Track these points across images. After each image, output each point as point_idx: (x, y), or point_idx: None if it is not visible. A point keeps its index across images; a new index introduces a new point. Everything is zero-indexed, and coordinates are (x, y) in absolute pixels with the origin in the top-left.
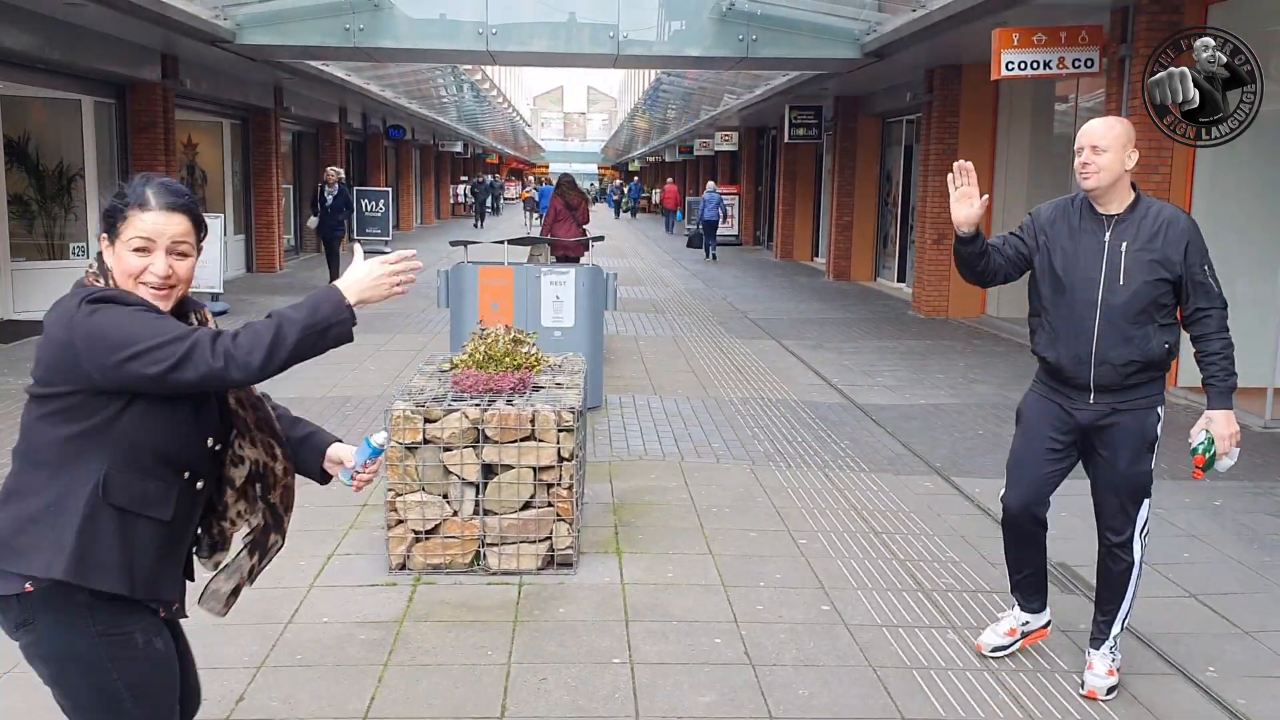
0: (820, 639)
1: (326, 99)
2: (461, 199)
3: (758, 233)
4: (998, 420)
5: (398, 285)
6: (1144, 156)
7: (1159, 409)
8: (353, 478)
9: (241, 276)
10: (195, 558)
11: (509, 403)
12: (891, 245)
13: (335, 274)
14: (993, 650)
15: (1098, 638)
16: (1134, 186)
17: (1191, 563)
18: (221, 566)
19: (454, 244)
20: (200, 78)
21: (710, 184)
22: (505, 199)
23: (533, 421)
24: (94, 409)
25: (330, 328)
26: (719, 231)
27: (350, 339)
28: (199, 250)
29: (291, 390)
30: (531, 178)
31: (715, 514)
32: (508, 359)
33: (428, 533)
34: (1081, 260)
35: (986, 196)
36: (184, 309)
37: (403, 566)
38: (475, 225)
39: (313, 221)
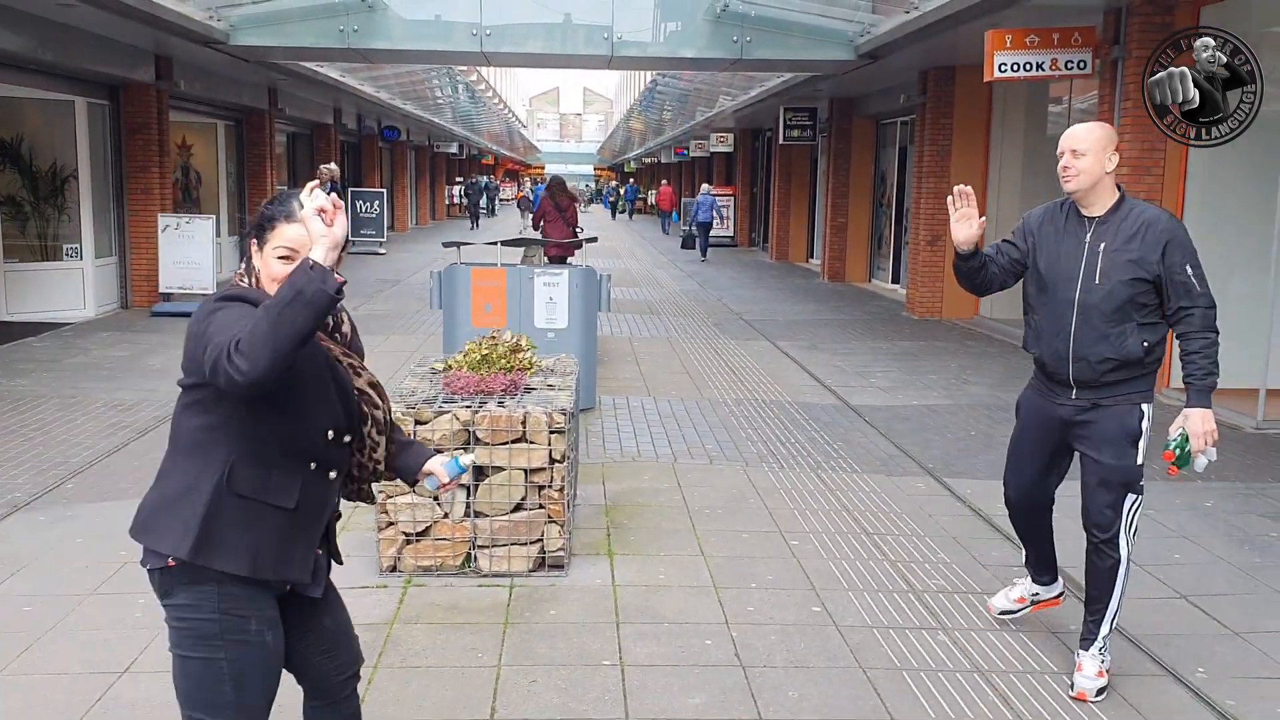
0: (811, 640)
1: (321, 100)
2: (457, 200)
3: (753, 234)
4: (990, 421)
5: (321, 214)
6: (1137, 157)
7: (1143, 405)
8: (439, 487)
9: None
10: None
11: (500, 404)
12: (886, 246)
13: None
14: (1000, 613)
15: (1087, 638)
16: (1120, 189)
17: (1182, 564)
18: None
19: (447, 245)
20: (194, 79)
21: (705, 185)
22: (501, 200)
23: (524, 423)
24: (219, 402)
25: (301, 292)
26: (713, 232)
27: (328, 295)
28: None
29: None
30: (528, 179)
31: (707, 515)
32: (502, 361)
33: (418, 535)
34: (1063, 260)
35: (984, 218)
36: None
37: (393, 569)
38: (471, 227)
39: None
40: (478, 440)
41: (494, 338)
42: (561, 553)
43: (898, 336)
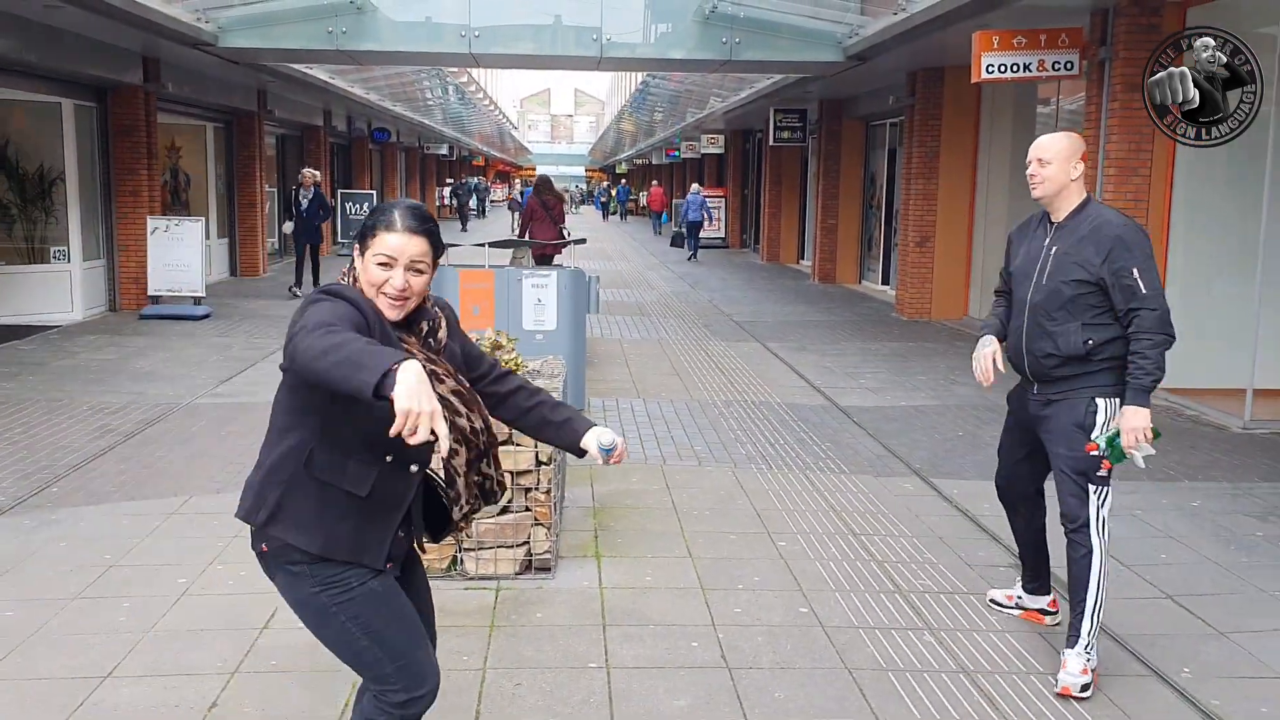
0: (797, 641)
1: (310, 102)
2: (448, 201)
3: (744, 235)
4: (977, 422)
5: (417, 429)
6: (1124, 158)
7: (1097, 399)
8: (606, 460)
9: (225, 280)
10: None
11: None
12: (876, 248)
13: (316, 281)
14: (990, 600)
15: (1072, 635)
16: (1087, 195)
17: (1169, 564)
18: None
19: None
20: (183, 81)
21: (694, 185)
22: (492, 201)
23: None
24: (308, 389)
25: (362, 368)
26: (705, 234)
27: (365, 395)
28: (434, 267)
29: (269, 393)
30: (518, 180)
31: (695, 517)
32: None
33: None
34: (1025, 262)
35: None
36: (417, 316)
37: None
38: (461, 229)
39: (288, 226)
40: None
41: (474, 339)
42: (548, 555)
43: (887, 337)
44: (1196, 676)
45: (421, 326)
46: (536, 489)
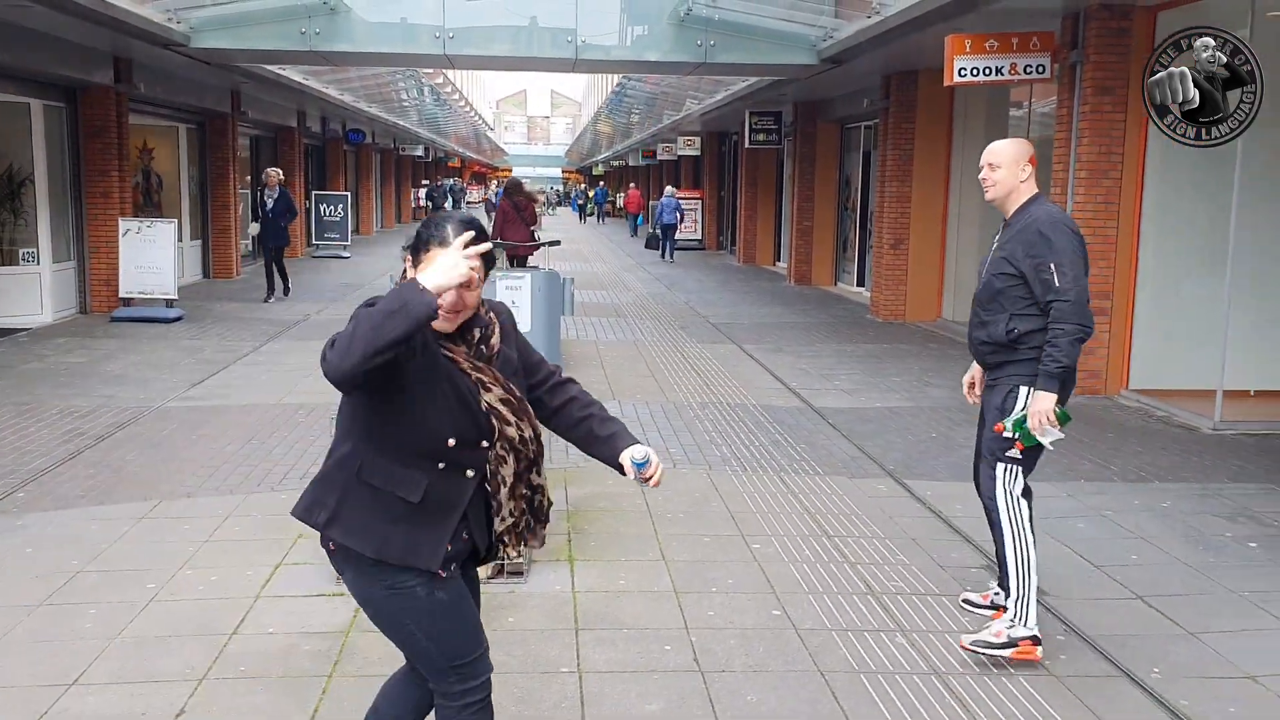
0: (770, 644)
1: (284, 103)
2: (423, 203)
3: (721, 237)
4: (951, 423)
5: (471, 268)
6: (1095, 160)
7: (1020, 386)
8: (639, 476)
9: (198, 283)
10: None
11: None
12: (851, 250)
13: (286, 286)
14: (963, 601)
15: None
16: (1036, 195)
17: (1139, 564)
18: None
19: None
20: (154, 82)
21: (668, 188)
22: (468, 202)
23: None
24: (360, 400)
25: (405, 305)
26: (682, 236)
27: (428, 309)
28: (484, 279)
29: (245, 397)
30: (494, 181)
31: (669, 520)
32: None
33: None
34: (982, 260)
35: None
36: (469, 323)
37: None
38: None
39: (254, 228)
40: None
41: None
42: (521, 560)
43: (861, 339)
44: (1166, 677)
45: (473, 334)
46: None
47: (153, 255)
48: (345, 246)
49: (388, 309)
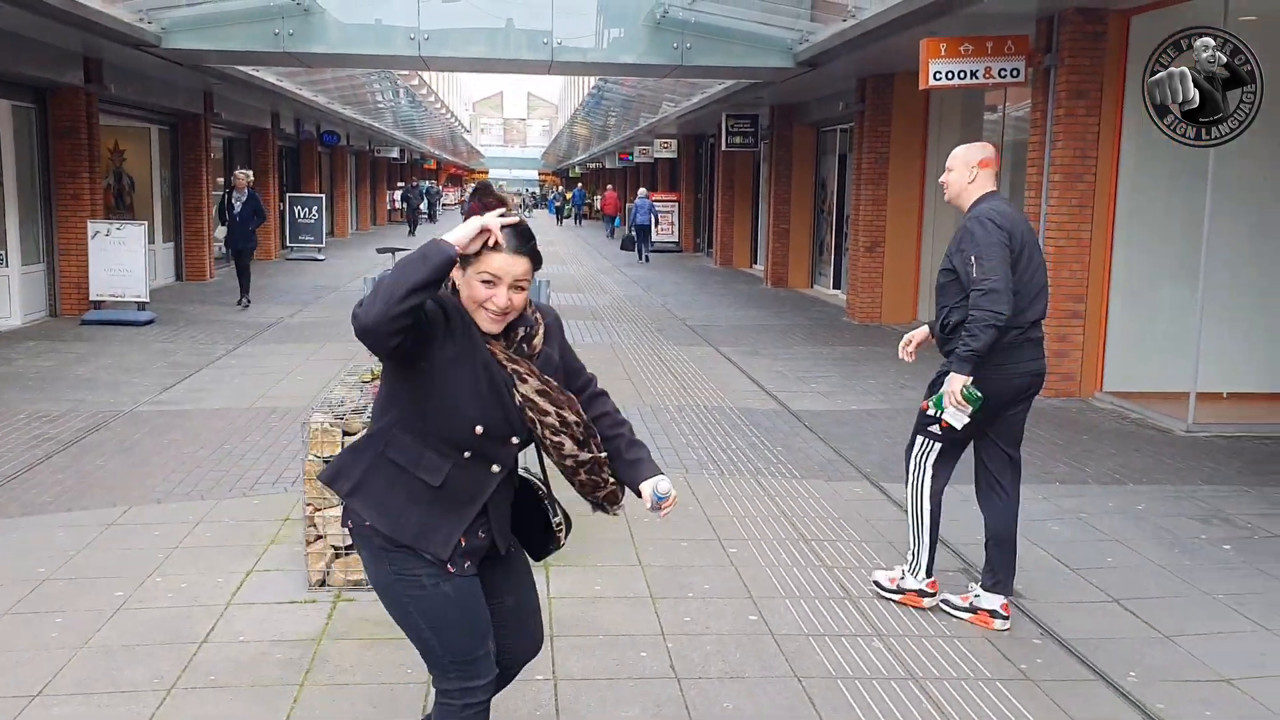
0: (747, 650)
1: (258, 104)
2: (399, 205)
3: (698, 240)
4: None
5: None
6: (1069, 164)
7: (951, 370)
8: (656, 508)
9: (171, 285)
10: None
11: None
12: (827, 252)
13: (245, 292)
14: (940, 603)
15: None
16: (985, 195)
17: (1114, 567)
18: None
19: (381, 251)
20: (126, 82)
21: (641, 190)
22: (444, 205)
23: None
24: (396, 373)
25: (425, 254)
26: (659, 238)
27: (446, 256)
28: (531, 278)
29: (217, 401)
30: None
31: (646, 524)
32: None
33: (347, 548)
34: None
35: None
36: (515, 323)
37: (322, 583)
38: (409, 233)
39: (221, 231)
40: None
41: None
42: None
43: (838, 341)
44: (1142, 680)
45: (516, 333)
46: None
47: (124, 257)
48: (320, 249)
49: (409, 259)
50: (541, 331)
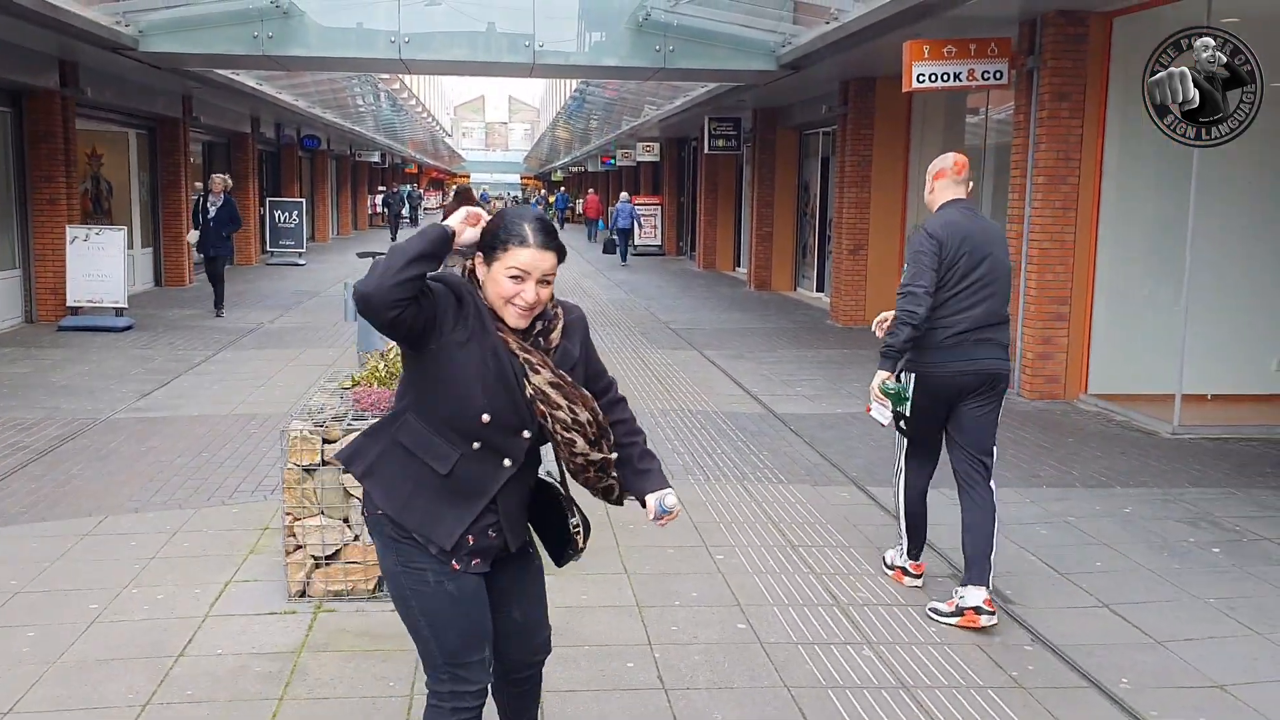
0: (735, 659)
1: (238, 108)
2: (379, 209)
3: (681, 243)
4: None
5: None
6: (1052, 166)
7: (905, 373)
8: (658, 519)
9: (149, 291)
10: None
11: None
12: (810, 256)
13: (219, 304)
14: (929, 610)
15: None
16: (945, 204)
17: (1104, 571)
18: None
19: (361, 256)
20: (103, 86)
21: (623, 194)
22: (426, 209)
23: None
24: (411, 360)
25: (423, 231)
26: (641, 241)
27: (442, 230)
28: (555, 273)
29: (196, 408)
30: (453, 188)
31: (632, 531)
32: None
33: (328, 558)
34: None
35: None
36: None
37: (302, 594)
38: (392, 238)
39: (193, 236)
40: None
41: (389, 350)
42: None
43: (822, 345)
44: (1135, 687)
45: (534, 325)
46: None
47: (101, 263)
48: (300, 254)
49: (409, 238)
50: (560, 326)
